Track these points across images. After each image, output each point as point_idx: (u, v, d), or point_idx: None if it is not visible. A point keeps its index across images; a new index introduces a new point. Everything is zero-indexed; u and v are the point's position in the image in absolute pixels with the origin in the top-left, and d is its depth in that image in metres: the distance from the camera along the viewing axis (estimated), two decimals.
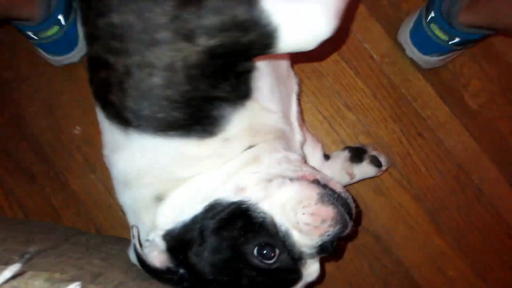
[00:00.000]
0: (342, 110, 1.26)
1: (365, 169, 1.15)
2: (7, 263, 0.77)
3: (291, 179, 0.78)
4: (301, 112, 1.11)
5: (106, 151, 0.86)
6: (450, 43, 1.13)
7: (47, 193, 1.33)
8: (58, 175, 1.33)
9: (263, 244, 0.74)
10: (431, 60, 1.21)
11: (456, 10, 1.09)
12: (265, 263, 0.74)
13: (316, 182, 0.79)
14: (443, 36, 1.12)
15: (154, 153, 0.78)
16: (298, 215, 0.74)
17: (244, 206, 0.75)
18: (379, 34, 1.28)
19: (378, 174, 1.19)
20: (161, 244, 0.78)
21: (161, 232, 0.78)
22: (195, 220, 0.76)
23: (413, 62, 1.26)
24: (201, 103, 0.74)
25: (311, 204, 0.75)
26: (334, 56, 1.28)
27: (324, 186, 0.79)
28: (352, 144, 1.25)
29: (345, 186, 1.09)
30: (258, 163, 0.80)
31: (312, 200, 0.75)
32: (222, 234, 0.74)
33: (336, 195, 0.78)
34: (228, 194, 0.77)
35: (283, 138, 0.88)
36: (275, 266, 0.75)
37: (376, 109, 1.26)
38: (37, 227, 1.04)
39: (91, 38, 0.78)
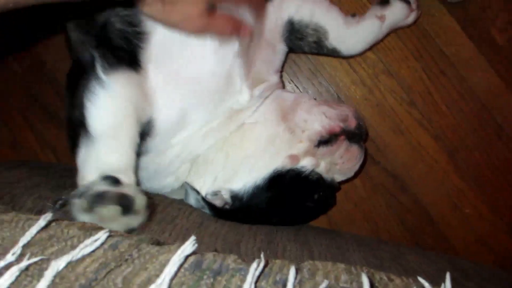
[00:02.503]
0: None
1: (395, 9, 1.09)
2: (41, 210, 0.82)
3: (330, 142, 0.95)
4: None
5: None
6: None
7: None
8: None
9: (317, 195, 0.96)
10: None
11: None
12: (316, 204, 0.98)
13: (342, 129, 0.96)
14: None
15: None
16: (339, 165, 0.98)
17: (304, 173, 0.92)
18: None
19: (410, 17, 1.12)
20: (228, 199, 0.94)
21: (227, 192, 0.93)
22: (259, 189, 0.92)
23: None
24: None
25: (346, 153, 0.97)
26: None
27: (347, 129, 0.97)
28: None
29: (375, 43, 1.15)
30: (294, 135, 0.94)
31: (346, 150, 0.97)
32: (290, 197, 0.95)
33: (356, 131, 0.99)
34: (285, 164, 0.91)
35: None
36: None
37: (397, 47, 1.22)
38: (68, 171, 1.09)
39: None
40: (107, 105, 0.74)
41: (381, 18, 1.08)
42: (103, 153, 0.74)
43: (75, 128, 0.76)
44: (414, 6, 1.10)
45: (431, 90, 1.24)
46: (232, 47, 0.88)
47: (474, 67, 1.23)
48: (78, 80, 0.77)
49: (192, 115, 0.88)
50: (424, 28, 1.22)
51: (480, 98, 1.24)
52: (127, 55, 0.79)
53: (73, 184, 0.98)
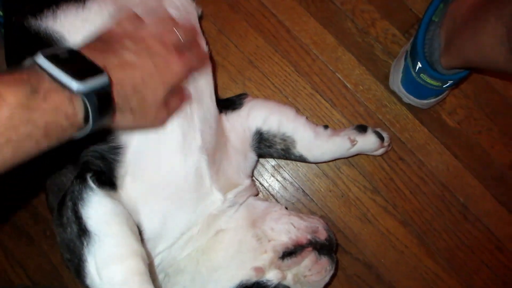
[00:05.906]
0: None
1: (367, 138, 1.15)
2: None
3: (295, 254, 0.93)
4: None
5: None
6: (444, 86, 1.12)
7: (46, 252, 1.36)
8: (54, 233, 1.35)
9: None
10: (430, 102, 1.21)
11: (436, 58, 1.09)
12: None
13: (309, 241, 0.95)
14: (436, 83, 1.12)
15: None
16: (308, 278, 0.94)
17: (269, 287, 0.91)
18: (350, 63, 1.29)
19: (379, 150, 1.18)
20: None
21: None
22: None
23: (386, 87, 1.27)
24: None
25: (315, 265, 0.95)
26: (308, 90, 1.29)
27: (314, 240, 0.96)
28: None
29: (342, 159, 1.24)
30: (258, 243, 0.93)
31: (314, 262, 0.95)
32: None
33: (325, 243, 0.98)
34: (250, 276, 0.90)
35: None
36: None
37: None
38: None
39: None
40: (100, 202, 0.75)
41: (353, 142, 1.14)
42: (112, 245, 0.73)
43: (75, 244, 0.74)
44: (385, 144, 1.18)
45: (392, 177, 1.27)
46: (196, 145, 0.91)
47: (430, 150, 1.27)
48: (65, 204, 0.79)
49: (173, 220, 0.89)
50: (378, 118, 1.28)
51: (441, 180, 1.27)
52: (107, 174, 0.82)
53: None
